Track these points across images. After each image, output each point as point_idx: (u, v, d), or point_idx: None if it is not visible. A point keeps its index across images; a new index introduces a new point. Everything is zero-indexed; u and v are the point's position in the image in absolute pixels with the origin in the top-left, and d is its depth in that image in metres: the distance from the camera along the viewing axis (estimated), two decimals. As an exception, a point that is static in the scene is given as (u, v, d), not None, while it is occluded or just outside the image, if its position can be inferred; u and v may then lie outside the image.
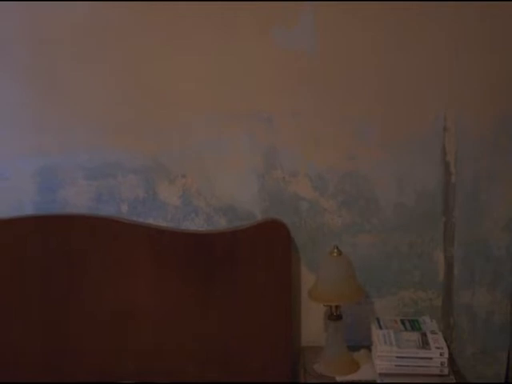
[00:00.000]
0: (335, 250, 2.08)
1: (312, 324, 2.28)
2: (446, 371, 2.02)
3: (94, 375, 2.20)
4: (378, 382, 2.05)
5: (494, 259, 2.23)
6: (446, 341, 2.09)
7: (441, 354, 2.01)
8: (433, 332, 2.11)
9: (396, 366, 2.03)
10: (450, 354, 2.07)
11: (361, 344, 2.20)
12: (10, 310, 2.24)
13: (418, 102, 2.20)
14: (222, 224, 2.25)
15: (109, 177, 2.26)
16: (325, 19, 2.14)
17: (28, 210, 2.26)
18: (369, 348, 2.18)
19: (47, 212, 2.25)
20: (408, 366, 2.03)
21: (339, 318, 2.10)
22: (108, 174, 2.26)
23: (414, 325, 2.16)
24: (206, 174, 2.26)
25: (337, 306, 2.09)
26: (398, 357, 2.02)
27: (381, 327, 2.14)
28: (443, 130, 2.18)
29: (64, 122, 2.25)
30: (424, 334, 2.09)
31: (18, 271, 2.23)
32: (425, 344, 2.05)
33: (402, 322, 2.17)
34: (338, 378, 2.07)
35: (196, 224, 2.26)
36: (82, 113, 2.24)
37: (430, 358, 2.01)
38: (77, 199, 2.26)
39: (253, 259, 2.19)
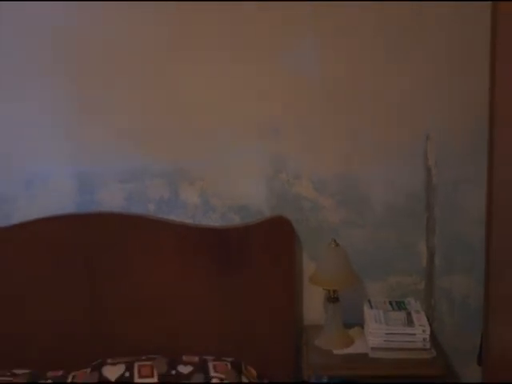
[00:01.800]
0: (333, 242, 2.19)
1: (313, 306, 2.36)
2: (427, 346, 2.14)
3: (129, 348, 2.24)
4: (370, 355, 2.15)
5: (469, 249, 2.30)
6: (427, 319, 2.19)
7: (423, 331, 2.14)
8: (416, 312, 2.22)
9: (385, 341, 2.14)
10: (432, 330, 2.17)
11: (355, 322, 2.29)
12: (59, 290, 2.31)
13: (405, 117, 2.29)
14: (235, 220, 2.33)
15: (138, 180, 2.34)
16: (325, 46, 2.25)
17: (70, 209, 2.33)
18: (362, 326, 2.27)
19: (86, 211, 2.33)
20: (395, 341, 2.14)
21: (336, 300, 2.20)
22: (137, 178, 2.34)
23: (400, 305, 2.26)
24: (221, 177, 2.34)
25: (334, 290, 2.20)
26: (386, 333, 2.14)
27: (372, 308, 2.25)
28: (426, 141, 2.28)
29: (99, 134, 2.33)
30: (409, 314, 2.20)
31: (63, 260, 2.29)
32: (410, 322, 2.16)
33: (390, 303, 2.28)
34: (335, 352, 2.18)
35: (213, 220, 2.35)
36: (115, 126, 2.33)
37: (414, 334, 2.13)
38: (111, 200, 2.35)
39: (262, 250, 2.28)
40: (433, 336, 2.20)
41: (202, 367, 2.13)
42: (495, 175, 1.96)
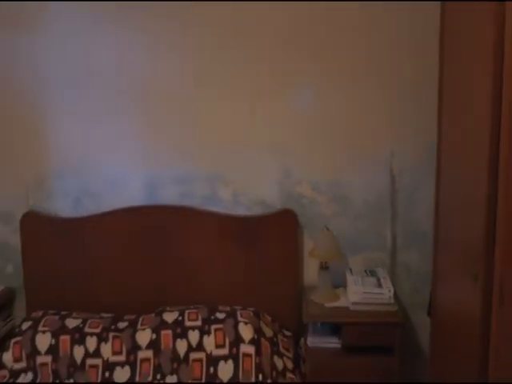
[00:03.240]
0: (325, 228, 2.21)
1: (310, 272, 2.33)
2: (392, 301, 2.12)
3: (182, 300, 2.22)
4: (351, 307, 2.13)
5: (421, 234, 2.28)
6: (391, 283, 2.18)
7: (389, 291, 2.13)
8: (384, 277, 2.21)
9: (362, 297, 2.12)
10: (395, 291, 2.15)
11: (340, 285, 2.27)
12: (132, 259, 2.32)
13: (375, 140, 2.28)
14: (257, 211, 2.33)
15: (188, 182, 2.34)
16: (317, 92, 2.26)
17: (140, 202, 2.34)
18: (345, 287, 2.25)
19: (151, 203, 2.34)
20: (369, 297, 2.13)
21: (327, 268, 2.21)
22: (187, 181, 2.34)
23: (372, 273, 2.25)
24: (246, 180, 2.34)
25: (325, 262, 2.20)
26: (363, 292, 2.12)
27: (352, 274, 2.24)
28: (390, 155, 2.27)
29: (160, 149, 2.34)
30: (378, 279, 2.19)
31: (135, 237, 2.31)
32: (379, 285, 2.16)
33: (365, 271, 2.27)
34: (326, 305, 2.17)
35: (241, 211, 2.34)
36: (172, 143, 2.33)
37: (382, 293, 2.12)
38: (168, 196, 2.34)
39: (275, 232, 2.28)
40: (395, 295, 2.18)
41: (232, 314, 2.14)
42: (440, 181, 2.00)
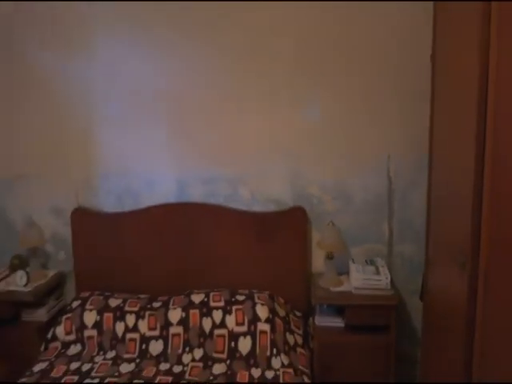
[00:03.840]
0: (330, 223, 2.19)
1: (318, 261, 2.32)
2: (388, 287, 2.10)
3: (206, 284, 2.23)
4: (353, 292, 2.11)
5: (414, 228, 2.26)
6: (389, 271, 2.17)
7: (386, 278, 2.11)
8: (382, 266, 2.19)
9: (362, 283, 2.10)
10: (391, 278, 2.13)
11: (344, 272, 2.25)
12: (165, 248, 2.31)
13: (373, 144, 2.26)
14: (272, 208, 2.32)
15: (213, 183, 2.34)
16: (323, 106, 2.26)
17: (172, 199, 2.35)
18: (348, 274, 2.22)
19: (181, 201, 2.35)
20: (369, 283, 2.11)
21: (332, 258, 2.19)
22: (212, 181, 2.34)
23: (372, 262, 2.23)
24: (262, 181, 2.33)
25: (331, 252, 2.19)
26: (364, 279, 2.11)
27: (354, 263, 2.22)
28: (387, 159, 2.25)
29: (190, 155, 2.34)
30: (377, 267, 2.17)
31: (167, 229, 2.31)
32: (378, 272, 2.14)
33: (366, 260, 2.25)
34: (332, 289, 2.15)
35: (258, 208, 2.33)
36: (199, 150, 2.33)
37: (380, 280, 2.11)
38: (196, 194, 2.35)
39: (287, 227, 2.26)
40: (392, 281, 2.16)
41: (250, 297, 2.14)
42: (432, 181, 1.98)
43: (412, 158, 2.24)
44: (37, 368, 1.98)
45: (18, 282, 2.27)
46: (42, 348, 2.14)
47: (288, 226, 2.28)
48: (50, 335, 2.15)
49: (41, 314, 2.30)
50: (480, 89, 1.28)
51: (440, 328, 1.84)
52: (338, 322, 2.13)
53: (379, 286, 2.12)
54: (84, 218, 2.37)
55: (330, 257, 2.21)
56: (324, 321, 2.14)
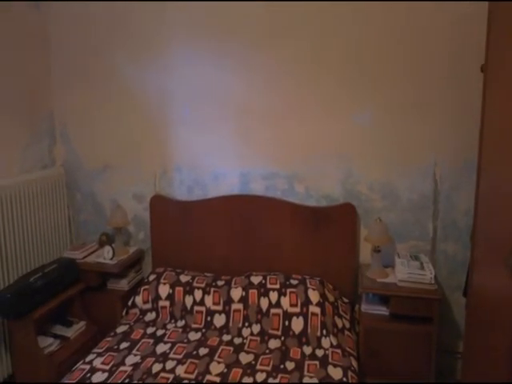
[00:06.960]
0: (378, 219, 2.11)
1: (365, 253, 2.24)
2: (433, 281, 1.98)
3: (264, 268, 2.22)
4: (398, 284, 2.00)
5: (458, 228, 2.16)
6: (433, 266, 2.07)
7: (430, 273, 2.00)
8: (426, 262, 2.09)
9: (407, 276, 2.00)
10: (435, 273, 2.03)
11: (389, 265, 2.17)
12: (228, 234, 2.30)
13: (421, 149, 2.15)
14: (323, 203, 2.27)
15: (272, 179, 2.31)
16: (375, 113, 2.16)
17: (235, 192, 2.35)
18: (393, 267, 2.14)
19: (244, 193, 2.34)
20: (413, 277, 2.00)
21: (379, 251, 2.12)
22: (272, 177, 2.31)
23: (416, 258, 2.13)
24: (317, 179, 2.27)
25: (378, 246, 2.11)
26: (408, 273, 2.01)
27: (400, 258, 2.13)
28: (434, 164, 2.14)
29: (252, 153, 2.31)
30: (422, 263, 2.07)
31: (230, 218, 2.29)
32: (422, 268, 2.03)
33: (411, 256, 2.15)
34: (378, 280, 2.06)
35: (311, 202, 2.28)
36: (261, 150, 2.31)
37: (425, 275, 1.99)
38: (257, 188, 2.33)
39: (337, 221, 2.20)
40: (436, 276, 2.03)
41: (303, 282, 2.09)
42: (480, 185, 1.83)
43: (457, 163, 2.14)
44: (119, 330, 2.03)
45: (105, 256, 2.35)
46: (124, 313, 2.19)
47: (338, 219, 2.21)
48: (130, 302, 2.20)
49: (123, 284, 2.37)
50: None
51: (486, 327, 1.68)
52: (382, 311, 2.04)
53: (423, 280, 2.01)
54: (160, 204, 2.39)
55: (376, 250, 2.13)
56: (369, 308, 2.06)
